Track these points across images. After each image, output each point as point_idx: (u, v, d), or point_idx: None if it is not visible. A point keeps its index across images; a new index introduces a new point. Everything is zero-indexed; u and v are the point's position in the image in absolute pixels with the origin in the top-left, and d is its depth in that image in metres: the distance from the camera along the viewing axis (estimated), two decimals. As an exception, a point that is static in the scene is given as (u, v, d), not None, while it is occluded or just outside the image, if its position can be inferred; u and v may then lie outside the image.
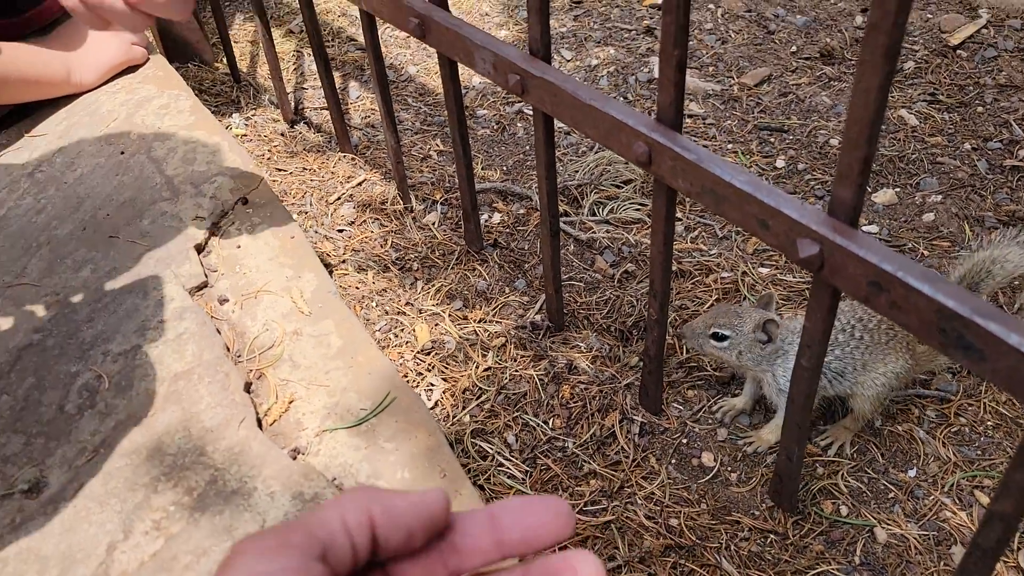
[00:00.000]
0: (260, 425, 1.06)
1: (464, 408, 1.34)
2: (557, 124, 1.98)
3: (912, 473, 1.22)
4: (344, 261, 1.57)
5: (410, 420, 1.06)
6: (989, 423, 1.27)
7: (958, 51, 2.05)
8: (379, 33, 2.31)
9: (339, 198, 1.72)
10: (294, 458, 1.02)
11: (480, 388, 1.37)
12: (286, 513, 0.93)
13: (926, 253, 1.56)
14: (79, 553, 0.90)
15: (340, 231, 1.64)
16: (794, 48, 2.15)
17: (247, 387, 1.09)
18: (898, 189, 1.72)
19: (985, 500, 1.16)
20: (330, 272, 1.53)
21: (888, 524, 1.15)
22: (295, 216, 1.62)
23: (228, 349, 1.14)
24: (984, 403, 1.30)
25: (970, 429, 1.27)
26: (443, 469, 1.00)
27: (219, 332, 1.16)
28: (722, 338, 1.22)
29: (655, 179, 1.03)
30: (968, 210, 1.65)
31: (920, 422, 1.28)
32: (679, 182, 0.97)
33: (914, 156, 1.78)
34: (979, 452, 1.23)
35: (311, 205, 1.69)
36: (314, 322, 1.19)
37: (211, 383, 1.07)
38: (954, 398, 1.30)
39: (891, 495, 1.19)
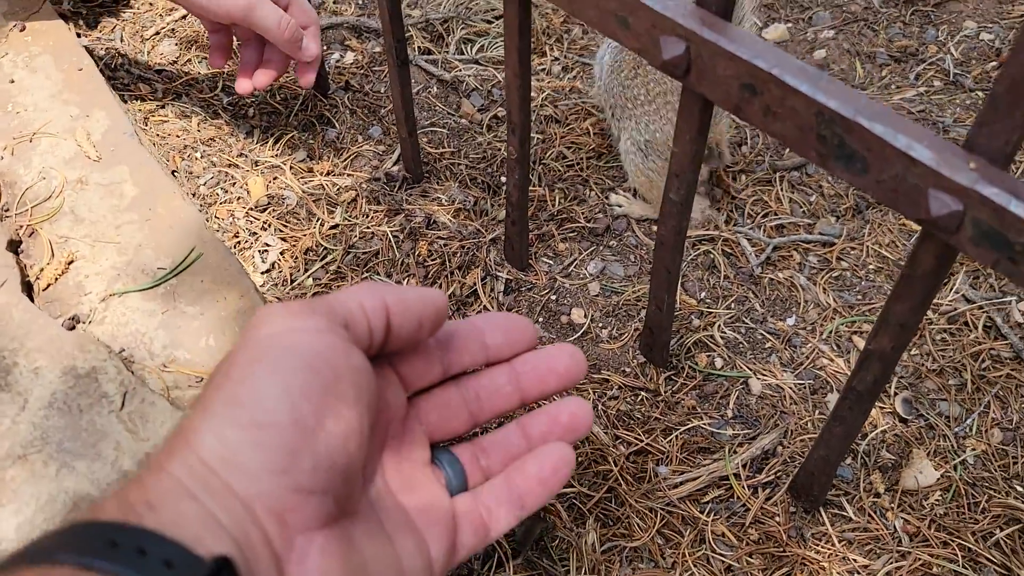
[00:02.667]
0: (30, 291, 0.87)
1: (306, 270, 1.17)
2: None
3: (791, 321, 1.14)
4: (163, 106, 1.34)
5: (219, 280, 0.89)
6: (871, 266, 1.20)
7: None
8: None
9: (158, 33, 1.46)
10: (71, 328, 0.84)
11: (325, 248, 1.20)
12: (54, 392, 0.77)
13: (815, 91, 1.45)
14: None
15: (159, 72, 1.39)
16: None
17: (13, 246, 0.89)
18: (790, 24, 1.58)
19: (863, 346, 1.09)
20: (146, 120, 1.30)
21: (764, 375, 1.07)
22: (101, 53, 1.37)
23: (-9, 202, 0.93)
24: (867, 246, 1.22)
25: (851, 273, 1.19)
26: (257, 333, 0.85)
27: (-20, 182, 0.94)
28: None
29: (502, -20, 0.85)
30: (860, 46, 1.54)
31: (801, 268, 1.20)
32: (526, -23, 0.80)
33: (808, -12, 1.64)
34: (859, 297, 1.16)
35: (123, 41, 1.43)
36: (104, 168, 0.99)
37: (-38, 242, 0.87)
38: (837, 241, 1.22)
39: (768, 345, 1.11)
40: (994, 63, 1.47)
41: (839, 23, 1.57)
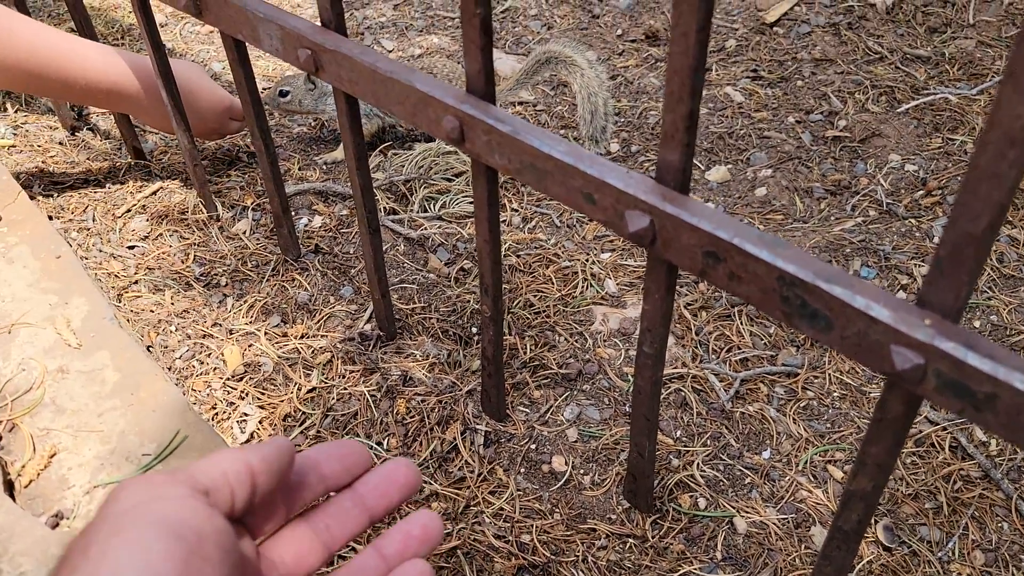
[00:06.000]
0: (12, 489, 0.85)
1: (286, 437, 1.17)
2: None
3: (766, 455, 1.16)
4: (136, 282, 1.36)
5: (205, 461, 0.89)
6: (835, 394, 1.24)
7: (774, 28, 2.07)
8: (179, 27, 2.09)
9: (129, 210, 1.50)
10: (55, 526, 0.83)
11: (303, 412, 1.21)
12: (40, 597, 0.74)
13: (761, 227, 1.54)
14: None
15: (131, 248, 1.42)
16: (619, 31, 2.11)
17: (-7, 443, 0.89)
18: (730, 166, 1.70)
19: (838, 475, 1.13)
20: (119, 296, 1.32)
21: (747, 512, 1.09)
22: (74, 234, 1.40)
23: (-30, 398, 0.93)
24: (828, 374, 1.27)
25: (818, 402, 1.23)
26: (247, 515, 0.84)
27: (-42, 378, 0.94)
28: (285, 94, 1.65)
29: (472, 160, 0.91)
30: (797, 182, 1.65)
31: (770, 400, 1.24)
32: (496, 158, 0.86)
33: (743, 132, 1.77)
34: (828, 425, 1.20)
35: (94, 220, 1.46)
36: (85, 355, 0.99)
37: (-58, 443, 0.86)
38: (800, 372, 1.27)
39: (747, 480, 1.13)
40: (921, 192, 1.59)
41: (775, 162, 1.69)
